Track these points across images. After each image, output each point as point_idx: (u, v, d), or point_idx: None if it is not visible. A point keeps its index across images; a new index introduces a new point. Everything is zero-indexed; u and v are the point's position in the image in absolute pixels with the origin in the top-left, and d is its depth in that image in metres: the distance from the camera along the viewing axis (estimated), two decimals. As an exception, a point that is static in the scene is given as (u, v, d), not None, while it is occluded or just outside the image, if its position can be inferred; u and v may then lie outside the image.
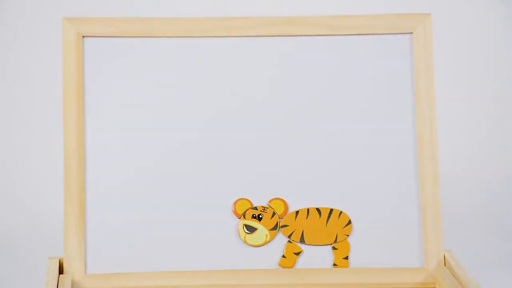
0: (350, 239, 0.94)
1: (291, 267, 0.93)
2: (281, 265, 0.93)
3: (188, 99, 0.95)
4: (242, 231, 0.93)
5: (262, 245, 0.94)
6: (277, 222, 0.94)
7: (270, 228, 0.94)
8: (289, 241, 0.93)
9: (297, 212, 0.94)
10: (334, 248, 0.94)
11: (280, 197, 0.94)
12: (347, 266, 0.93)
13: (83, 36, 0.94)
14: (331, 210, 0.94)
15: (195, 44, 0.95)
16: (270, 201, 0.94)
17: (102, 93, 0.94)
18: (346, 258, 0.93)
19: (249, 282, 0.93)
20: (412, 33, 0.95)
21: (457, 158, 1.24)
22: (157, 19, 0.95)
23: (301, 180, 0.94)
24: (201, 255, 0.93)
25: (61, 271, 0.92)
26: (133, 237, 0.93)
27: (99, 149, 0.94)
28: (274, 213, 0.93)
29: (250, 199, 0.94)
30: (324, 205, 0.94)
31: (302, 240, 0.94)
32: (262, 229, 0.93)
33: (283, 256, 0.93)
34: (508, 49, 1.26)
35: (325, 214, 0.94)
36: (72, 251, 0.92)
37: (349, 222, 0.94)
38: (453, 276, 0.90)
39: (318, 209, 0.94)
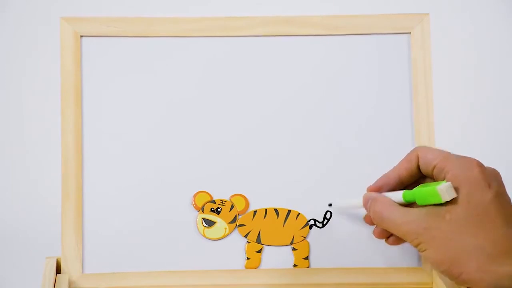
0: (350, 239, 0.94)
1: (256, 267, 0.93)
2: (247, 267, 0.93)
3: (187, 99, 0.95)
4: (201, 225, 0.93)
5: (222, 238, 0.93)
6: (235, 215, 0.94)
7: (229, 221, 0.94)
8: (248, 242, 0.93)
9: (254, 212, 0.94)
10: (293, 249, 0.94)
11: (242, 193, 0.94)
12: (307, 266, 0.93)
13: (81, 36, 0.94)
14: (289, 211, 0.94)
15: (193, 44, 0.95)
16: (232, 196, 0.94)
17: (100, 93, 0.94)
18: (306, 258, 0.93)
19: (249, 282, 0.93)
20: (410, 33, 0.95)
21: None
22: (156, 19, 0.95)
23: (298, 181, 0.95)
24: (202, 256, 0.94)
25: (58, 270, 0.92)
26: (130, 237, 0.93)
27: (97, 149, 0.94)
28: (232, 206, 0.93)
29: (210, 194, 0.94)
30: (319, 207, 0.94)
31: (258, 240, 0.94)
32: (220, 223, 0.93)
33: (247, 258, 0.93)
34: (506, 49, 1.26)
35: (282, 215, 0.94)
36: (69, 251, 0.92)
37: (307, 223, 0.94)
38: (451, 276, 0.90)
39: (276, 210, 0.94)
